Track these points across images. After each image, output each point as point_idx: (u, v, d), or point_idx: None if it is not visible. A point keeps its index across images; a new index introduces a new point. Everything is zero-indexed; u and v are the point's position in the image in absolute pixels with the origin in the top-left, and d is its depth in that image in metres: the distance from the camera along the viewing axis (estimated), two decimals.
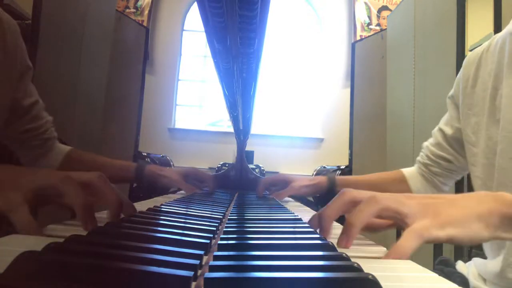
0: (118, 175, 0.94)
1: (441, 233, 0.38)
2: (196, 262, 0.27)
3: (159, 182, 0.93)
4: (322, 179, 0.95)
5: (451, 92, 0.84)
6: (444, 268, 0.80)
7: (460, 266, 0.80)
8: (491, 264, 0.67)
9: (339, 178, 0.95)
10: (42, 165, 0.86)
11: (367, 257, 0.38)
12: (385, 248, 0.42)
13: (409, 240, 0.37)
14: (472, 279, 0.72)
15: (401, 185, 0.92)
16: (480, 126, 0.72)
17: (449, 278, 0.70)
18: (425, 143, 0.92)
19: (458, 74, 0.82)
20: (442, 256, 0.92)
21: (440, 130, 0.87)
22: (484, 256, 0.75)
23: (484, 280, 0.70)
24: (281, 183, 1.02)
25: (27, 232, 0.39)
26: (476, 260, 0.74)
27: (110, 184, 0.46)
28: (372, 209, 0.39)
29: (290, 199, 1.16)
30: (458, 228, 0.38)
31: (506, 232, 0.38)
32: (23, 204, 0.40)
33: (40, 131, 0.86)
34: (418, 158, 0.92)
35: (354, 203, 0.42)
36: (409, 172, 0.94)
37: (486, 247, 0.72)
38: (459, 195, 0.41)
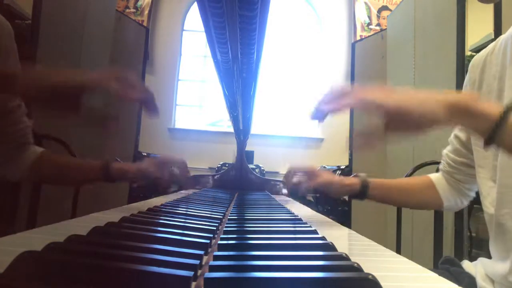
0: (87, 176, 0.88)
1: (391, 102, 0.48)
2: (196, 262, 0.27)
3: (131, 177, 0.87)
4: (355, 181, 0.89)
5: None
6: (449, 267, 0.79)
7: (467, 265, 0.79)
8: (500, 266, 0.67)
9: (373, 181, 0.89)
10: (11, 167, 0.84)
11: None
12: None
13: (349, 98, 0.49)
14: (480, 279, 0.71)
15: (430, 190, 0.90)
16: None
17: (456, 278, 0.70)
18: (444, 151, 0.90)
19: (466, 78, 0.82)
20: (446, 255, 0.91)
21: (456, 136, 0.86)
22: (486, 256, 0.75)
23: (492, 281, 0.69)
24: (309, 175, 0.91)
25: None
26: (482, 260, 0.74)
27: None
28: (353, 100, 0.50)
29: (289, 199, 1.16)
30: (414, 101, 0.47)
31: (459, 119, 0.48)
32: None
33: (17, 135, 0.84)
34: (441, 166, 0.91)
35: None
36: (436, 177, 0.92)
37: (492, 248, 0.72)
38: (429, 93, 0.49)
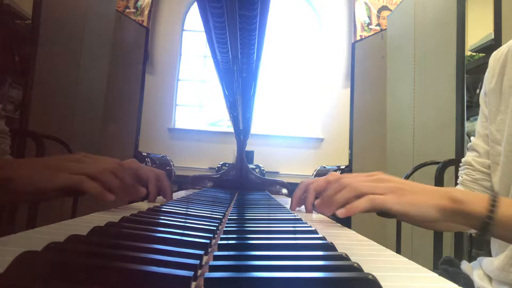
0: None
1: (395, 207, 0.50)
2: (196, 262, 0.27)
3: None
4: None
5: (482, 91, 0.81)
6: (448, 268, 0.80)
7: (465, 266, 0.80)
8: (497, 260, 0.67)
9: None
10: None
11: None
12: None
13: (361, 202, 0.50)
14: (477, 279, 0.71)
15: None
16: (504, 124, 0.71)
17: (453, 279, 0.71)
18: (470, 158, 0.82)
19: (486, 73, 0.79)
20: (445, 256, 0.91)
21: (486, 135, 0.79)
22: (486, 255, 0.75)
23: (490, 279, 0.70)
24: None
25: (101, 198, 0.53)
26: (482, 260, 0.74)
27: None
28: (350, 194, 0.51)
29: (289, 199, 1.15)
30: (414, 208, 0.50)
31: (450, 219, 0.51)
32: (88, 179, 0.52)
33: None
34: (464, 178, 0.82)
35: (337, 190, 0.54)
36: None
37: (494, 244, 0.72)
38: (422, 185, 0.53)
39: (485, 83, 0.79)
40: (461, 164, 0.84)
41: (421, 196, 0.51)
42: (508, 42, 0.75)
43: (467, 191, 0.55)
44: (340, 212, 0.54)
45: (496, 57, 0.77)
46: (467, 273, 0.76)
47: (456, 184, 0.86)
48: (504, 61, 0.74)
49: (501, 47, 0.77)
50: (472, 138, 0.83)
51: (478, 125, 0.82)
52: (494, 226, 0.49)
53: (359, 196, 0.52)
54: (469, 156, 0.82)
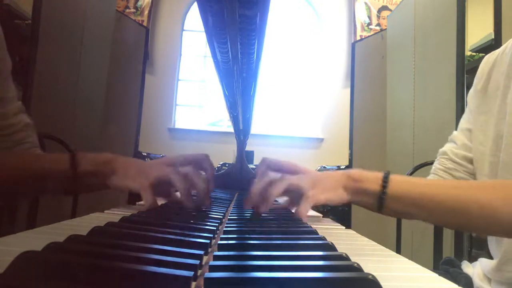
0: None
1: (322, 197, 0.57)
2: (196, 262, 0.27)
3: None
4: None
5: (471, 89, 0.83)
6: (449, 268, 0.80)
7: (466, 266, 0.80)
8: (494, 261, 0.68)
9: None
10: None
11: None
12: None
13: (304, 205, 0.56)
14: (477, 279, 0.72)
15: None
16: (488, 124, 0.73)
17: (454, 279, 0.72)
18: (447, 148, 0.86)
19: (476, 74, 0.82)
20: (446, 256, 0.91)
21: (467, 129, 0.82)
22: (486, 256, 0.75)
23: (489, 280, 0.70)
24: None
25: (150, 206, 0.58)
26: (482, 260, 0.74)
27: (200, 176, 0.62)
28: (283, 184, 0.58)
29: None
30: (331, 192, 0.57)
31: (355, 197, 0.58)
32: (149, 187, 0.59)
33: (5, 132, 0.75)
34: (437, 166, 0.86)
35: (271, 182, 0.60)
36: (431, 177, 0.86)
37: (492, 246, 0.72)
38: (330, 172, 0.61)
39: (474, 83, 0.81)
40: (437, 155, 0.87)
41: (331, 180, 0.58)
42: (500, 48, 0.77)
43: (365, 171, 0.59)
44: (261, 209, 0.59)
45: (487, 60, 0.80)
46: (468, 274, 0.77)
47: None
48: (493, 65, 0.77)
49: (493, 52, 0.80)
50: (454, 132, 0.86)
51: (462, 119, 0.85)
52: (388, 201, 0.55)
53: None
54: (446, 147, 0.86)
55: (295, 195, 0.63)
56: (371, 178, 0.57)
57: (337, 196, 0.58)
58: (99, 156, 0.62)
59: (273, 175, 0.61)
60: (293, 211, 0.68)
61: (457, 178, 0.82)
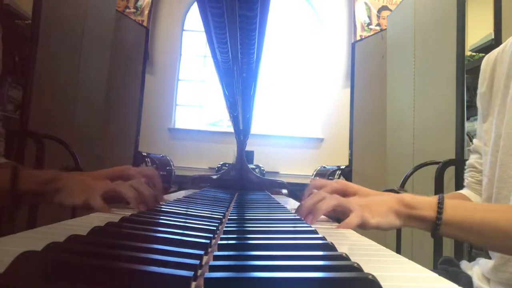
0: None
1: (372, 221, 0.58)
2: (196, 262, 0.27)
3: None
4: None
5: (478, 92, 0.83)
6: (448, 267, 0.80)
7: (465, 266, 0.80)
8: (492, 261, 0.68)
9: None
10: None
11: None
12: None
13: (354, 218, 0.57)
14: (476, 279, 0.72)
15: None
16: (491, 125, 0.73)
17: (454, 278, 0.71)
18: (473, 160, 0.83)
19: (479, 78, 0.81)
20: (445, 256, 0.91)
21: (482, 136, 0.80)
22: (486, 256, 0.75)
23: (488, 280, 0.70)
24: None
25: (101, 210, 0.60)
26: (480, 260, 0.74)
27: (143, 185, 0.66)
28: (332, 203, 0.61)
29: (289, 198, 1.16)
30: (381, 218, 0.58)
31: (408, 223, 0.59)
32: (97, 196, 0.61)
33: None
34: (469, 180, 0.83)
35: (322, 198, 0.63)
36: (469, 193, 0.83)
37: None
38: (381, 197, 0.62)
39: (478, 86, 0.81)
40: (466, 167, 0.85)
41: (383, 206, 0.59)
42: (499, 47, 0.76)
43: (418, 197, 0.59)
44: (342, 227, 0.60)
45: (487, 60, 0.79)
46: (467, 273, 0.76)
47: (457, 184, 0.86)
48: (494, 65, 0.76)
49: (492, 51, 0.79)
50: (474, 140, 0.84)
51: (478, 126, 0.83)
52: (443, 228, 0.55)
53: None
54: (472, 159, 0.84)
55: (342, 215, 0.64)
56: (425, 204, 0.57)
57: (388, 222, 0.58)
58: (43, 174, 0.63)
59: (325, 194, 0.64)
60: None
61: None
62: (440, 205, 0.56)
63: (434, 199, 0.57)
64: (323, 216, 0.71)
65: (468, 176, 0.84)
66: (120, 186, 0.63)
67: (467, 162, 0.85)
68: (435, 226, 0.55)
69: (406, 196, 0.59)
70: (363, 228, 0.60)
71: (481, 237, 0.56)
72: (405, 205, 0.58)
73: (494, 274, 0.66)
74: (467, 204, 0.62)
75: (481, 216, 0.55)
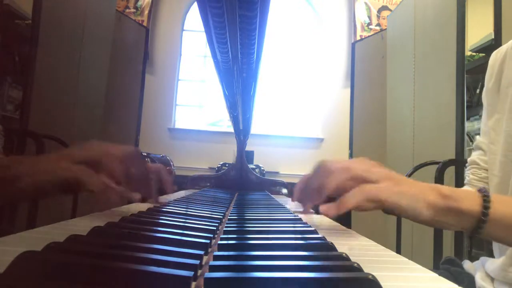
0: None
1: (390, 199, 0.46)
2: (196, 262, 0.27)
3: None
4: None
5: (484, 89, 0.81)
6: (450, 267, 0.79)
7: (468, 265, 0.79)
8: (498, 260, 0.67)
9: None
10: None
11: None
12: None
13: (352, 196, 0.45)
14: (479, 279, 0.71)
15: None
16: (500, 123, 0.71)
17: (456, 278, 0.69)
18: (475, 157, 0.79)
19: (486, 73, 0.78)
20: (447, 256, 0.90)
21: (487, 131, 0.77)
22: (486, 255, 0.75)
23: (492, 280, 0.69)
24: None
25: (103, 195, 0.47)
26: (484, 260, 0.73)
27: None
28: (362, 195, 0.46)
29: (289, 199, 1.15)
30: (408, 200, 0.46)
31: (441, 217, 0.47)
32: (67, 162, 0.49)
33: None
34: (471, 177, 0.79)
35: (329, 173, 0.49)
36: None
37: (495, 246, 0.72)
38: (417, 182, 0.50)
39: (485, 82, 0.79)
40: (467, 164, 0.82)
41: (414, 188, 0.48)
42: (509, 42, 0.75)
43: (453, 188, 0.50)
44: (327, 210, 0.47)
45: (495, 56, 0.77)
46: (470, 273, 0.76)
47: (457, 185, 0.85)
48: (502, 61, 0.74)
49: (501, 47, 0.76)
50: (477, 137, 0.82)
51: (482, 123, 0.80)
52: (487, 226, 0.46)
53: (351, 178, 0.48)
54: (474, 155, 0.80)
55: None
56: (466, 196, 0.48)
57: (413, 208, 0.46)
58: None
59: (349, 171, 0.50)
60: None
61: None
62: (486, 197, 0.46)
63: (473, 190, 0.48)
64: (323, 217, 0.71)
65: (469, 174, 0.80)
66: (80, 171, 0.47)
67: (468, 159, 0.82)
68: (480, 223, 0.46)
69: (443, 186, 0.49)
70: (373, 202, 0.46)
71: None
72: (442, 195, 0.47)
73: (500, 274, 0.66)
74: None
75: None
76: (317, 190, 0.51)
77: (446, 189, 0.48)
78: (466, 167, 0.83)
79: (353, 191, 0.46)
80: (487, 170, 0.76)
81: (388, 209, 0.48)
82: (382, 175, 0.48)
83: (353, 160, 0.52)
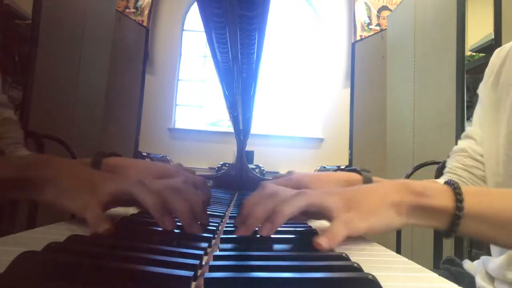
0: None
1: (362, 225, 0.40)
2: (196, 262, 0.27)
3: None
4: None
5: (482, 82, 0.78)
6: (450, 267, 0.79)
7: (468, 265, 0.79)
8: (498, 259, 0.67)
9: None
10: None
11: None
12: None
13: (340, 229, 0.39)
14: (479, 279, 0.71)
15: None
16: (500, 121, 0.70)
17: (456, 278, 0.68)
18: (465, 145, 0.75)
19: (485, 71, 0.77)
20: (447, 255, 0.90)
21: (482, 124, 0.75)
22: (486, 255, 0.75)
23: (492, 279, 0.69)
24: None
25: (95, 228, 0.38)
26: (485, 259, 0.73)
27: (181, 193, 0.43)
28: (300, 204, 0.41)
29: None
30: (375, 217, 0.41)
31: (415, 219, 0.42)
32: (97, 206, 0.41)
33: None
34: (453, 164, 0.75)
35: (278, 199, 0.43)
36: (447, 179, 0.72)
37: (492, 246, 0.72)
38: (373, 185, 0.45)
39: (485, 77, 0.78)
40: (450, 153, 0.78)
41: (375, 199, 0.42)
42: (511, 42, 0.75)
43: (422, 182, 0.45)
44: (323, 244, 0.38)
45: (498, 54, 0.75)
46: (470, 272, 0.76)
47: None
48: (503, 59, 0.74)
49: (504, 45, 0.75)
50: (468, 127, 0.79)
51: (475, 114, 0.79)
52: (464, 221, 0.42)
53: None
54: (463, 143, 0.77)
55: (317, 216, 0.49)
56: (436, 191, 0.43)
57: (385, 221, 0.41)
58: (23, 159, 0.46)
59: (282, 188, 0.46)
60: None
61: (477, 176, 0.72)
62: (458, 190, 0.42)
63: (442, 184, 0.44)
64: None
65: (453, 161, 0.75)
66: (135, 186, 0.42)
67: (454, 148, 0.78)
68: (455, 219, 0.41)
69: (412, 182, 0.43)
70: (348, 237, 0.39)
71: (507, 232, 0.43)
72: (411, 192, 0.42)
73: (500, 273, 0.65)
74: (487, 189, 0.49)
75: (509, 203, 0.43)
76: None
77: (417, 184, 0.43)
78: (449, 156, 0.79)
79: (337, 228, 0.40)
80: (474, 159, 0.73)
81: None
82: (339, 203, 0.42)
83: (304, 190, 0.44)
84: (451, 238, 0.45)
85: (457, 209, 0.41)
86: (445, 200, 0.42)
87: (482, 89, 0.78)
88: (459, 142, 0.80)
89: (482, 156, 0.73)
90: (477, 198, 0.43)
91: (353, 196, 0.42)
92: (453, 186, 0.43)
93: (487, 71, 0.77)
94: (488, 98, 0.75)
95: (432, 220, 0.43)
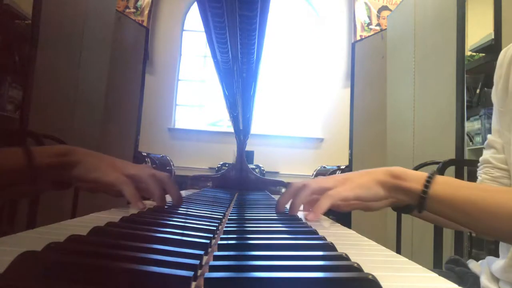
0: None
1: (350, 193, 0.56)
2: (196, 262, 0.27)
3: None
4: None
5: (493, 87, 0.77)
6: (454, 267, 0.79)
7: (473, 265, 0.79)
8: (502, 260, 0.66)
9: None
10: None
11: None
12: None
13: (323, 201, 0.56)
14: (484, 279, 0.70)
15: None
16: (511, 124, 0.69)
17: (461, 278, 0.70)
18: (488, 156, 0.77)
19: (495, 74, 0.76)
20: (452, 255, 0.89)
21: (499, 130, 0.75)
22: (485, 255, 0.74)
23: (497, 280, 0.69)
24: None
25: (134, 205, 0.53)
26: (490, 259, 0.73)
27: (158, 180, 0.58)
28: (305, 193, 0.59)
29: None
30: (363, 189, 0.56)
31: (394, 195, 0.57)
32: (131, 184, 0.54)
33: None
34: (483, 176, 0.77)
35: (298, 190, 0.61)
36: None
37: (503, 246, 0.71)
38: (370, 170, 0.59)
39: (494, 82, 0.77)
40: (479, 164, 0.80)
41: (366, 177, 0.57)
42: None
43: (409, 170, 0.58)
44: (309, 217, 0.58)
45: (504, 55, 0.74)
46: (475, 272, 0.75)
47: None
48: (510, 61, 0.72)
49: (510, 46, 0.74)
50: (488, 135, 0.79)
51: (493, 122, 0.78)
52: (429, 203, 0.54)
53: (312, 193, 0.60)
54: (486, 154, 0.78)
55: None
56: (413, 176, 0.56)
57: (371, 192, 0.56)
58: (52, 148, 0.55)
59: (299, 186, 0.61)
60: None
61: (506, 185, 0.73)
62: (429, 178, 0.54)
63: (425, 173, 0.56)
64: (323, 216, 0.71)
65: (481, 173, 0.77)
66: (150, 179, 0.55)
67: (480, 159, 0.79)
68: (421, 200, 0.54)
69: (396, 168, 0.57)
70: (339, 208, 0.58)
71: (467, 216, 0.53)
72: (392, 176, 0.56)
73: (505, 274, 0.65)
74: (460, 182, 0.58)
75: (469, 194, 0.53)
76: (290, 208, 0.62)
77: (398, 170, 0.57)
78: (478, 167, 0.80)
79: (321, 200, 0.56)
80: (500, 169, 0.74)
81: (357, 206, 0.58)
82: (335, 180, 0.58)
83: (312, 179, 0.63)
84: (423, 211, 0.56)
85: (422, 192, 0.54)
86: (417, 184, 0.55)
87: (494, 95, 0.77)
88: (484, 152, 0.80)
89: (506, 163, 0.73)
90: (444, 186, 0.54)
91: (346, 177, 0.58)
92: (429, 175, 0.55)
93: (495, 76, 0.76)
94: (500, 102, 0.74)
95: (406, 197, 0.56)
